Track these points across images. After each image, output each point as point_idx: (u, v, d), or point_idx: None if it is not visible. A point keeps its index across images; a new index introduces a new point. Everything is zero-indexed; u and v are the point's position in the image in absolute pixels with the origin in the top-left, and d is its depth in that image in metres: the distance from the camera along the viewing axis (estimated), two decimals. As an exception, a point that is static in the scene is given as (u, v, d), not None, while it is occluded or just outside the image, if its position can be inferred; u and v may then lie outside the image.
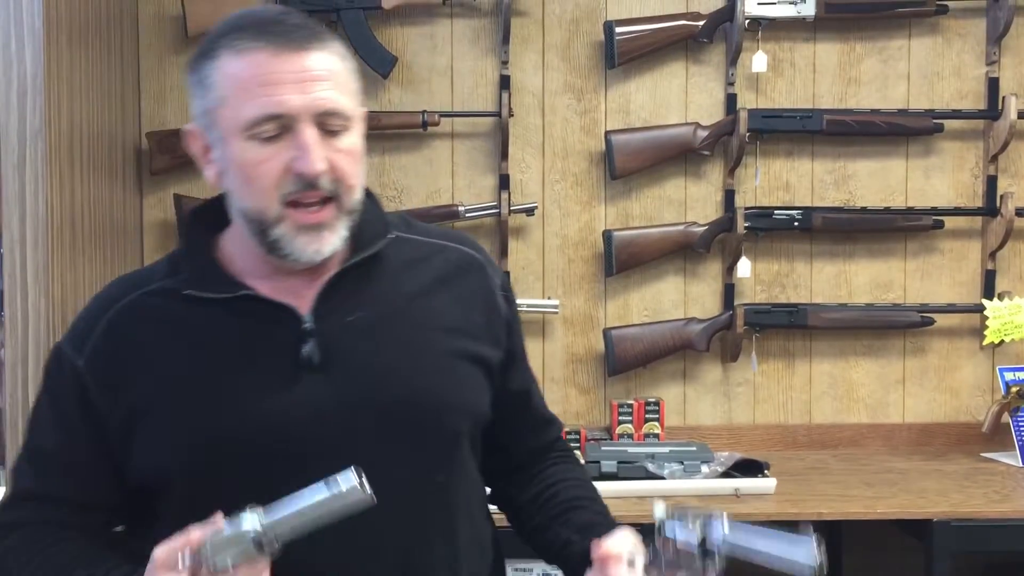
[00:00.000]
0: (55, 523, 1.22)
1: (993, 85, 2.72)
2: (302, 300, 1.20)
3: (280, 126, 1.13)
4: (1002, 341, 2.65)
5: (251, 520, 1.03)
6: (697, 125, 2.68)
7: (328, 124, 1.14)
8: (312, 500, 1.02)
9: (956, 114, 2.70)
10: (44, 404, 1.25)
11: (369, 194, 1.27)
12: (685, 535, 1.11)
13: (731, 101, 2.71)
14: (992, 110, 2.70)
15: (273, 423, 1.16)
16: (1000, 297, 2.69)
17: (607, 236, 2.67)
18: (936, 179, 2.76)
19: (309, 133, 1.12)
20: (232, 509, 1.09)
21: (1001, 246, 2.69)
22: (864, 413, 2.78)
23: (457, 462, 1.25)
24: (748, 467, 2.34)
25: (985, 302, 2.67)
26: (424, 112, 2.64)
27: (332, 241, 1.17)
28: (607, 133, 2.68)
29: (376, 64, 2.64)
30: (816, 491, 2.32)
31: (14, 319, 2.07)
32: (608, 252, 2.66)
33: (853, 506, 2.23)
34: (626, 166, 2.66)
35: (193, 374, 1.17)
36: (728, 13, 2.66)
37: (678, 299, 2.76)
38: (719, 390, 2.77)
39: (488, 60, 2.72)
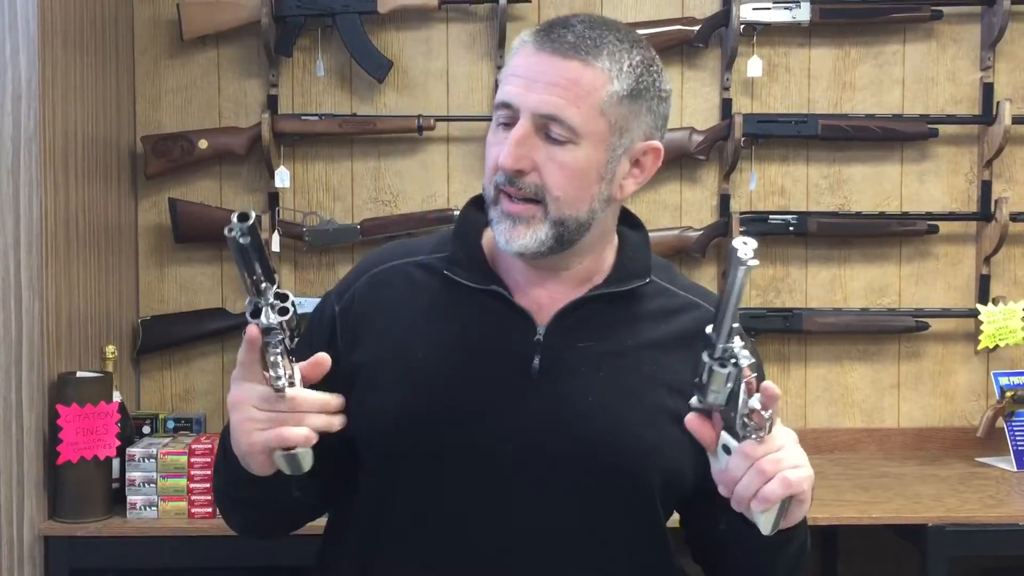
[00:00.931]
0: None
1: (987, 90, 2.73)
2: (542, 312, 1.23)
3: (510, 116, 1.19)
4: (996, 346, 2.65)
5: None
6: (692, 130, 2.68)
7: (550, 130, 1.17)
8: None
9: (951, 119, 2.70)
10: (301, 341, 1.30)
11: (642, 230, 1.30)
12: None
13: (726, 106, 2.72)
14: (986, 115, 2.70)
15: (480, 419, 1.20)
16: (995, 302, 2.69)
17: (602, 240, 2.66)
18: (931, 184, 2.76)
19: (518, 131, 1.17)
20: (422, 490, 1.18)
21: (995, 251, 2.70)
22: (859, 418, 2.78)
23: (637, 515, 1.24)
24: (743, 472, 2.33)
25: (979, 307, 2.67)
26: (419, 116, 2.64)
27: (526, 236, 1.19)
28: (602, 138, 2.68)
29: (372, 68, 2.64)
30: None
31: (8, 323, 2.07)
32: (603, 256, 2.66)
33: (848, 511, 2.22)
34: (621, 171, 2.66)
35: (425, 349, 1.22)
36: (723, 18, 2.66)
37: (673, 304, 2.76)
38: (714, 395, 2.76)
39: (483, 64, 2.72)
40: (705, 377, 1.07)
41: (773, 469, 1.06)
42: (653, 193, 2.75)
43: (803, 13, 2.64)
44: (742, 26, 2.63)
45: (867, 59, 2.75)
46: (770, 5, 2.65)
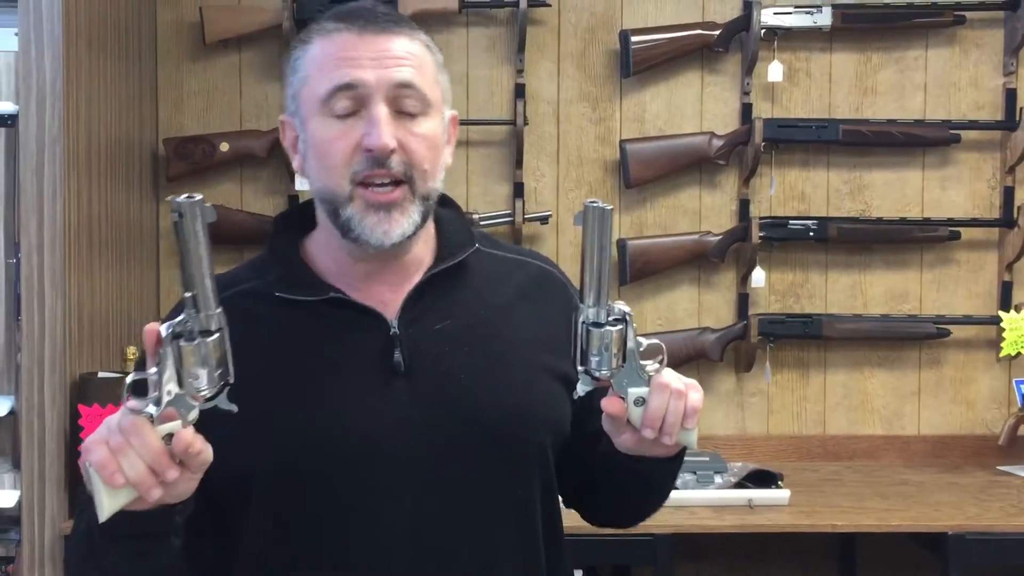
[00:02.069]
0: None
1: (1010, 96, 2.71)
2: (387, 307, 1.20)
3: (353, 99, 1.14)
4: (1019, 353, 2.63)
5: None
6: (712, 134, 2.68)
7: (404, 104, 1.15)
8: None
9: (973, 125, 2.69)
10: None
11: (453, 205, 1.30)
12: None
13: (746, 110, 2.71)
14: (1009, 121, 2.69)
15: (359, 428, 1.15)
16: (1017, 309, 2.67)
17: (621, 245, 2.66)
18: (953, 190, 2.74)
19: (380, 109, 1.14)
20: (315, 514, 1.14)
21: (1018, 258, 2.68)
22: (879, 425, 2.77)
23: (537, 477, 1.23)
24: (762, 478, 2.33)
25: (1001, 314, 2.65)
26: (439, 120, 2.64)
27: (402, 223, 1.15)
28: (622, 142, 2.68)
29: (392, 72, 2.65)
30: (830, 503, 2.31)
31: (31, 323, 2.08)
32: (622, 261, 2.66)
33: (867, 518, 2.21)
34: (641, 175, 2.66)
35: (279, 375, 1.17)
36: (744, 23, 2.65)
37: (692, 308, 2.75)
38: (733, 400, 2.76)
39: (503, 68, 2.72)
40: (598, 348, 1.06)
41: (683, 384, 1.10)
42: (672, 198, 2.74)
43: (824, 18, 2.64)
44: (763, 31, 2.63)
45: (889, 64, 2.74)
46: (791, 9, 2.65)
